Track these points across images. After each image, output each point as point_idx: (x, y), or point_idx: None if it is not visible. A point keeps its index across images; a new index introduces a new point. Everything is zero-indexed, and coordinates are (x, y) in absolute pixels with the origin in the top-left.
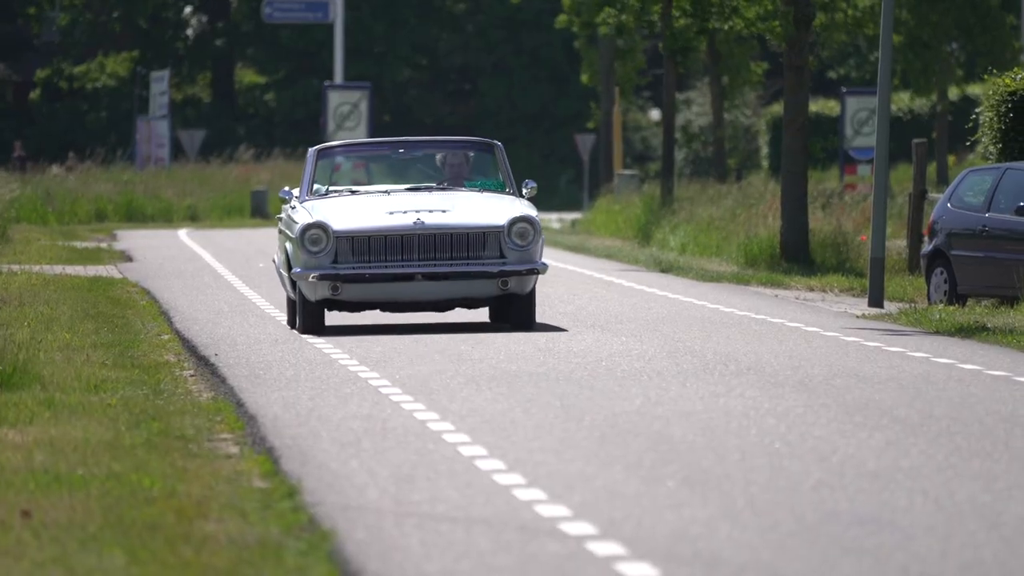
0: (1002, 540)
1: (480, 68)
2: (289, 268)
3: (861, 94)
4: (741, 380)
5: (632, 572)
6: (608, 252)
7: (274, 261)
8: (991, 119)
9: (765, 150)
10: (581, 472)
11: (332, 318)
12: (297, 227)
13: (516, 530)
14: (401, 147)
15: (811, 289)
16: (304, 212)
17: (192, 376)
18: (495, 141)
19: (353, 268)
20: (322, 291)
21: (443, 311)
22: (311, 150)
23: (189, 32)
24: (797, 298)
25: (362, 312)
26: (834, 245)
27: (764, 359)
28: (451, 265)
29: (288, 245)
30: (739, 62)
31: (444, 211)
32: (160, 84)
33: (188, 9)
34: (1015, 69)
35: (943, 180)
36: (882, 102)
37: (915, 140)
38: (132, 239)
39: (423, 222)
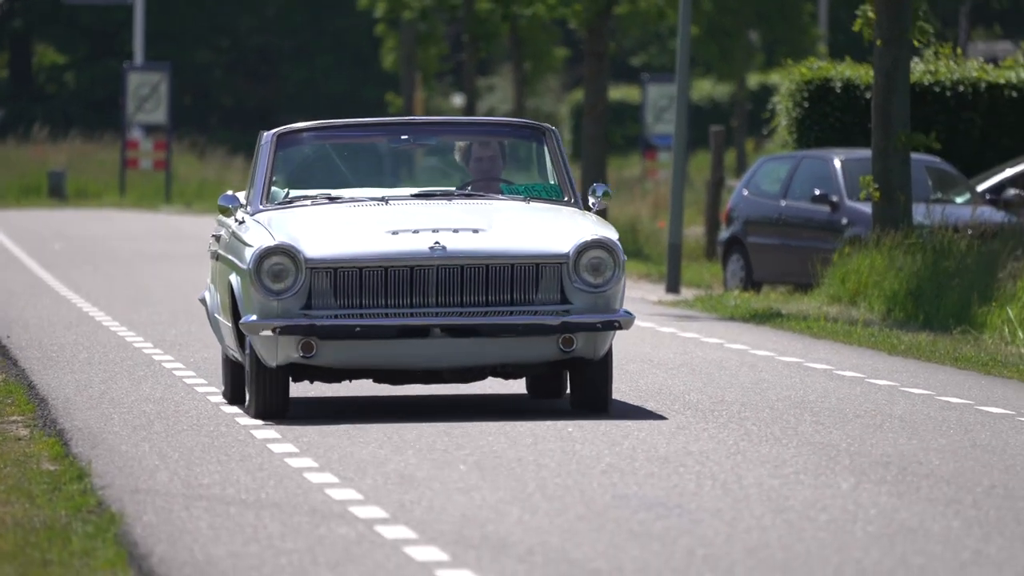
0: (787, 524)
1: (282, 51)
2: (234, 315)
3: (662, 81)
4: None
5: (420, 556)
6: None
7: (204, 301)
8: (788, 108)
9: (567, 136)
10: (373, 456)
11: (299, 390)
12: (250, 252)
13: (306, 513)
14: (405, 132)
15: None
16: (260, 230)
17: None
18: (546, 125)
19: (336, 317)
20: (288, 351)
21: (470, 382)
22: (267, 135)
23: None
24: None
25: (344, 382)
26: (632, 231)
27: None
28: (486, 314)
29: (233, 279)
30: (541, 48)
31: (475, 231)
32: None
33: None
34: (810, 58)
35: (742, 168)
36: (681, 89)
37: (713, 127)
38: None
39: (443, 247)
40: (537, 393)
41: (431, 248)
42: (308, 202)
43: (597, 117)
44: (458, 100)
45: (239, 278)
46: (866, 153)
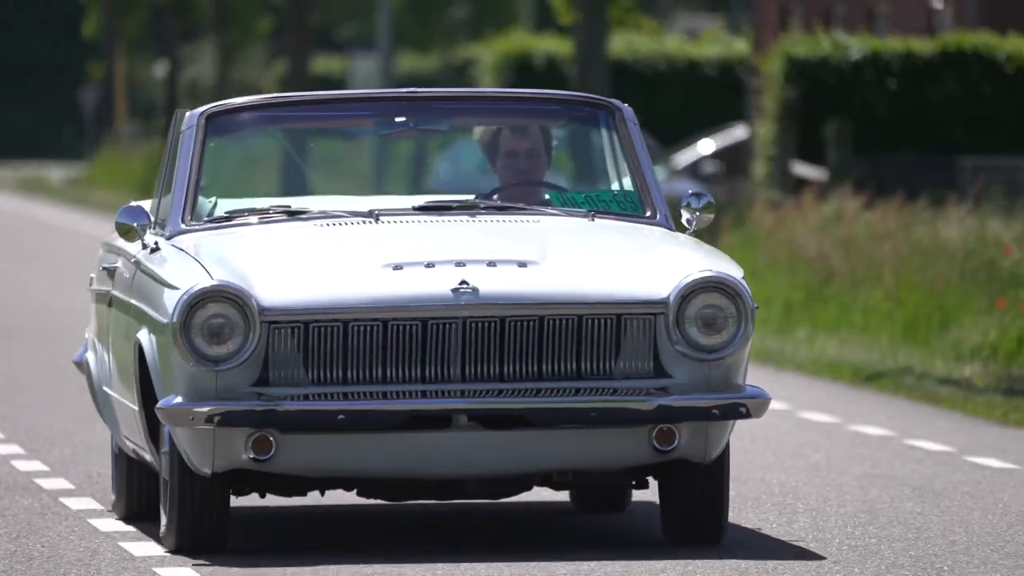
0: None
1: None
2: (144, 393)
3: (368, 54)
4: None
5: (105, 527)
6: (110, 205)
7: (84, 365)
8: (491, 82)
9: None
10: (63, 428)
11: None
12: (172, 298)
13: None
14: (401, 111)
15: None
16: (185, 262)
17: None
18: (614, 101)
19: (306, 398)
20: (232, 451)
21: (509, 496)
22: (191, 116)
23: None
24: None
25: (309, 494)
26: None
27: None
28: (539, 393)
29: (143, 338)
30: (245, 17)
31: (521, 263)
32: None
33: None
34: (514, 30)
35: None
36: (384, 62)
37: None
38: None
39: (474, 289)
40: (586, 505)
41: (455, 291)
42: (255, 219)
43: (299, 89)
44: (161, 70)
45: (154, 337)
46: None
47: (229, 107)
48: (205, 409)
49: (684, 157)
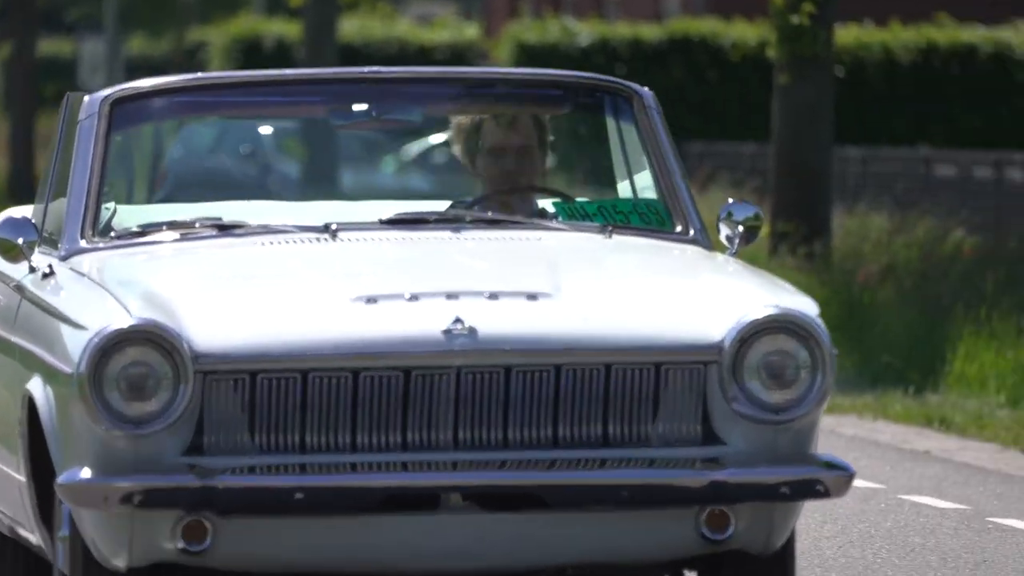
0: None
1: None
2: (33, 457)
3: (97, 36)
4: None
5: None
6: None
7: None
8: (221, 65)
9: None
10: None
11: None
12: (78, 340)
13: None
14: (361, 96)
15: None
16: (94, 292)
17: None
18: (632, 85)
19: (253, 471)
20: (156, 540)
21: None
22: (89, 101)
23: None
24: None
25: None
26: None
27: None
28: (553, 466)
29: (36, 391)
30: None
31: (530, 296)
32: None
33: None
34: (245, 11)
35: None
36: (112, 45)
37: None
38: None
39: (470, 329)
40: None
41: (447, 332)
42: (176, 235)
43: (24, 71)
44: None
45: (50, 389)
46: None
47: (137, 91)
48: (122, 485)
49: (415, 147)
